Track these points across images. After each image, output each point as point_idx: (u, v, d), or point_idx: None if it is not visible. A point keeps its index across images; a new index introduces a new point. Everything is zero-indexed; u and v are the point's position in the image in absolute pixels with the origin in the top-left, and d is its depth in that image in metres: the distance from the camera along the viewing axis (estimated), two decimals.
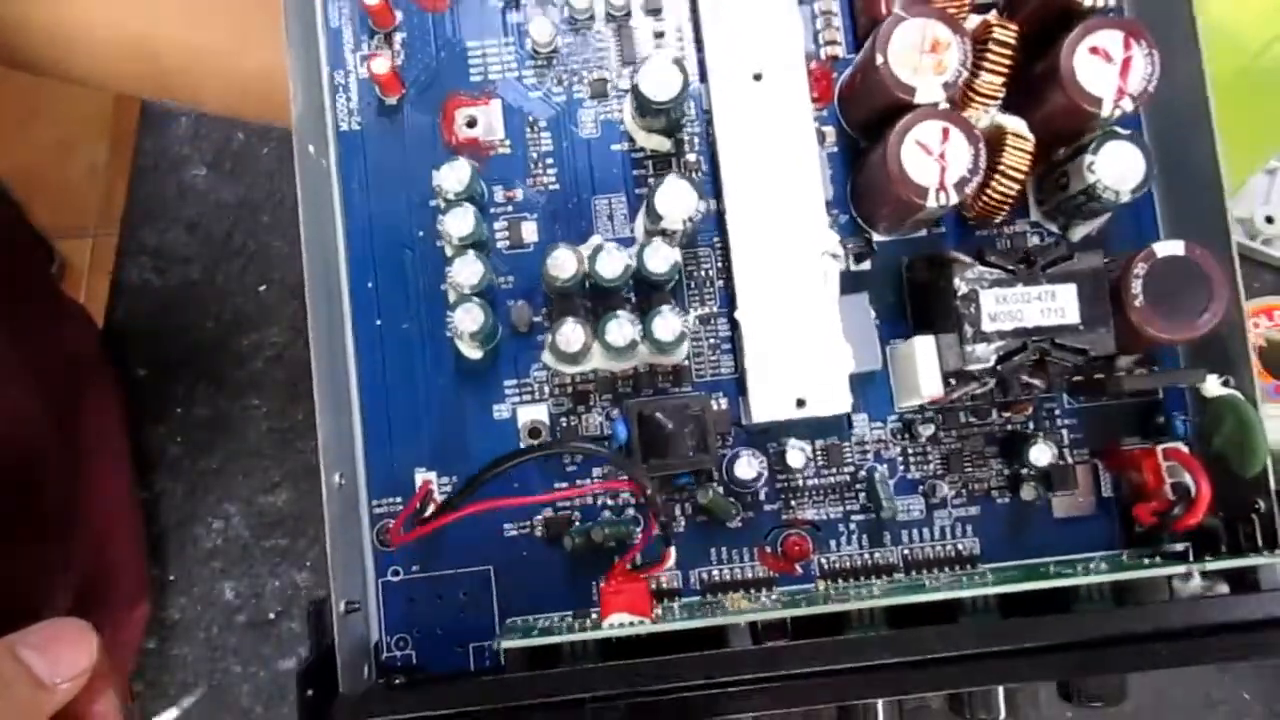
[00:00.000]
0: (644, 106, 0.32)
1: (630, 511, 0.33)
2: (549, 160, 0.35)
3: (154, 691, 0.61)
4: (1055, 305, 0.30)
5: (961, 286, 0.30)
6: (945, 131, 0.30)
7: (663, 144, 0.34)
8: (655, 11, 0.35)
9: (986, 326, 0.30)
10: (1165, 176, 0.33)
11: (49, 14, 0.39)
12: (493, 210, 0.34)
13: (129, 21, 0.40)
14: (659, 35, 0.35)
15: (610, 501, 0.33)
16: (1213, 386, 0.32)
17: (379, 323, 0.34)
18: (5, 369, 0.45)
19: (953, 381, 0.31)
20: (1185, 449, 0.32)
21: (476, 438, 0.34)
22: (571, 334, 0.31)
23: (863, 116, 0.34)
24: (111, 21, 0.40)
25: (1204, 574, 0.29)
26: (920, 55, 0.31)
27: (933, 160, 0.30)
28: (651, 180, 0.34)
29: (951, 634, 0.27)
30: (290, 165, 0.31)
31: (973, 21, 0.33)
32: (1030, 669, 0.27)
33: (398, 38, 0.35)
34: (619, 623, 0.29)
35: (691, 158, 0.35)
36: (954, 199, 0.30)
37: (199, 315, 0.63)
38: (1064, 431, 0.34)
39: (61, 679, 0.26)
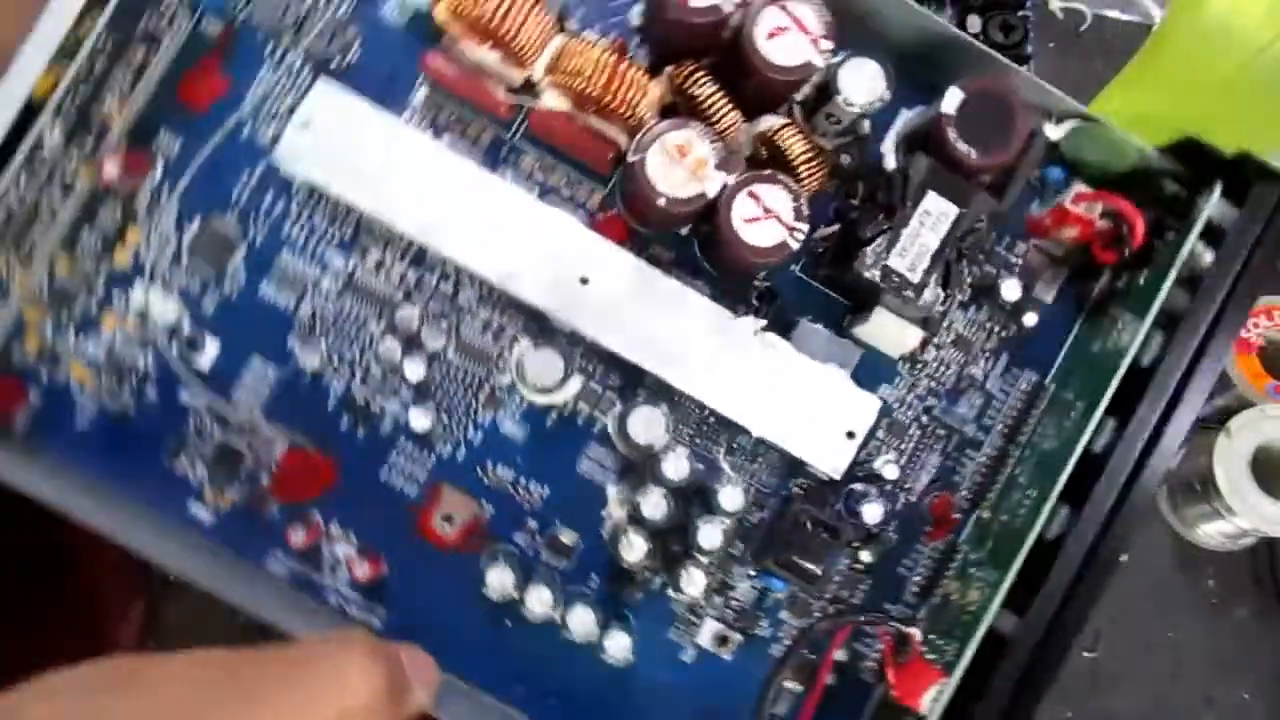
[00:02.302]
0: (524, 378, 0.34)
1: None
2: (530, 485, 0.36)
3: None
4: (934, 216, 0.33)
5: (874, 273, 0.33)
6: (753, 194, 0.33)
7: (570, 389, 0.36)
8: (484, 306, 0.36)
9: (915, 278, 0.33)
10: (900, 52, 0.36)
11: None
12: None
13: None
14: (492, 327, 0.36)
15: None
16: (1054, 131, 0.36)
17: None
18: None
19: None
20: (1084, 187, 0.36)
21: None
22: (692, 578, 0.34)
23: (680, 224, 0.36)
24: None
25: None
26: (680, 167, 0.33)
27: (769, 220, 0.33)
28: (612, 410, 0.36)
29: None
30: None
31: (663, 84, 0.35)
32: None
33: None
34: (933, 696, 0.32)
35: (590, 369, 0.37)
36: (805, 230, 0.33)
37: None
38: (1000, 250, 0.38)
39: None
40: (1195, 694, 0.50)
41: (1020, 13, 0.49)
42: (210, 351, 0.35)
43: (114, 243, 0.35)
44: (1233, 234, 0.33)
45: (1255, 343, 0.51)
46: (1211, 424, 0.49)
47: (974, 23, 0.49)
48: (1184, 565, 0.52)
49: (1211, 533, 0.51)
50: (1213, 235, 0.34)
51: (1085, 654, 0.50)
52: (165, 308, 0.35)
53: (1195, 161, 0.34)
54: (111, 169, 0.34)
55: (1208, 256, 0.33)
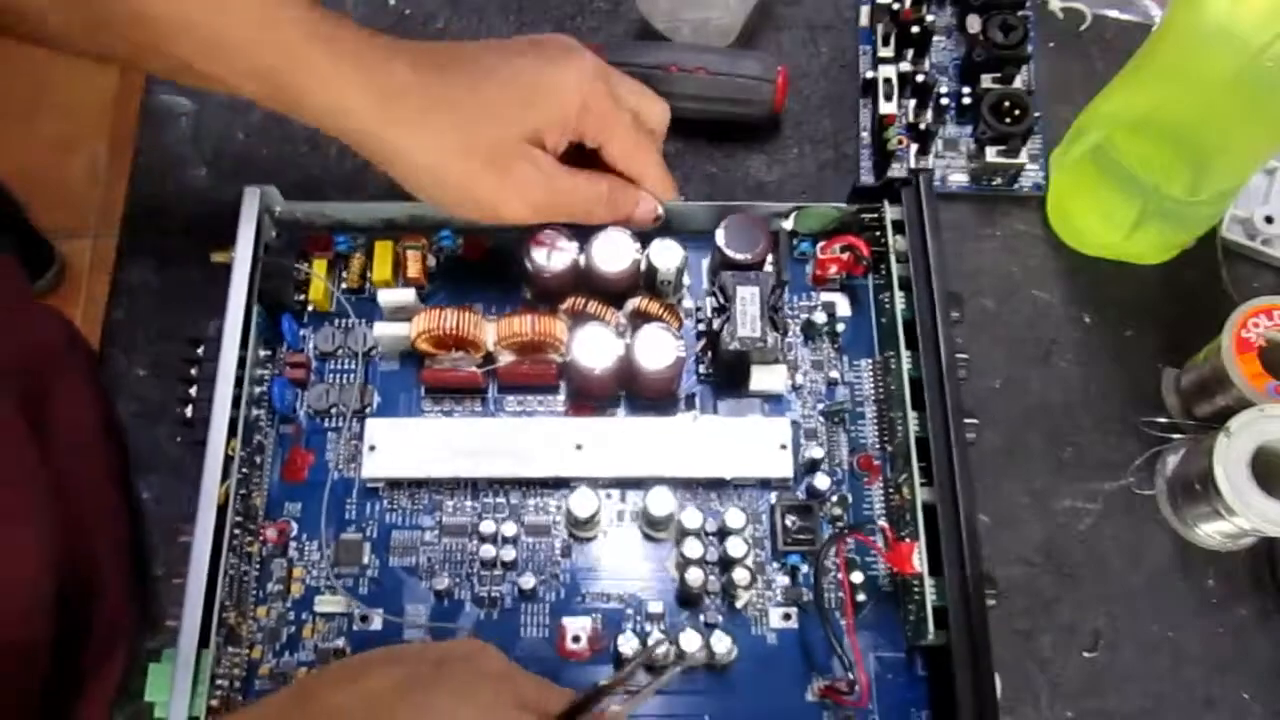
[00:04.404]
0: (576, 523, 0.52)
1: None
2: (614, 588, 0.53)
3: None
4: (747, 298, 0.53)
5: (735, 344, 0.53)
6: (645, 340, 0.52)
7: (605, 517, 0.53)
8: (529, 496, 0.54)
9: (758, 335, 0.53)
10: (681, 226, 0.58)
11: None
12: None
13: None
14: (539, 506, 0.54)
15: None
16: (786, 222, 0.57)
17: None
18: None
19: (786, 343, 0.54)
20: (823, 242, 0.57)
21: None
22: None
23: (615, 386, 0.55)
24: None
25: None
26: (596, 349, 0.52)
27: (662, 349, 0.52)
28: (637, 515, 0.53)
29: None
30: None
31: (564, 316, 0.55)
32: None
33: None
34: (917, 557, 0.49)
35: (609, 495, 0.54)
36: (683, 343, 0.53)
37: (198, 315, 0.57)
38: (806, 301, 0.58)
39: None
40: (1195, 694, 0.50)
41: (1020, 13, 0.48)
42: (377, 618, 0.51)
43: (288, 581, 0.52)
44: (906, 221, 0.55)
45: (1255, 343, 0.50)
46: (1212, 424, 0.50)
47: (974, 23, 0.47)
48: (1184, 565, 0.53)
49: (1211, 533, 0.51)
50: (899, 228, 0.55)
51: (1085, 654, 0.51)
52: (337, 603, 0.51)
53: (865, 196, 0.57)
54: (271, 534, 0.51)
55: (902, 240, 0.55)
